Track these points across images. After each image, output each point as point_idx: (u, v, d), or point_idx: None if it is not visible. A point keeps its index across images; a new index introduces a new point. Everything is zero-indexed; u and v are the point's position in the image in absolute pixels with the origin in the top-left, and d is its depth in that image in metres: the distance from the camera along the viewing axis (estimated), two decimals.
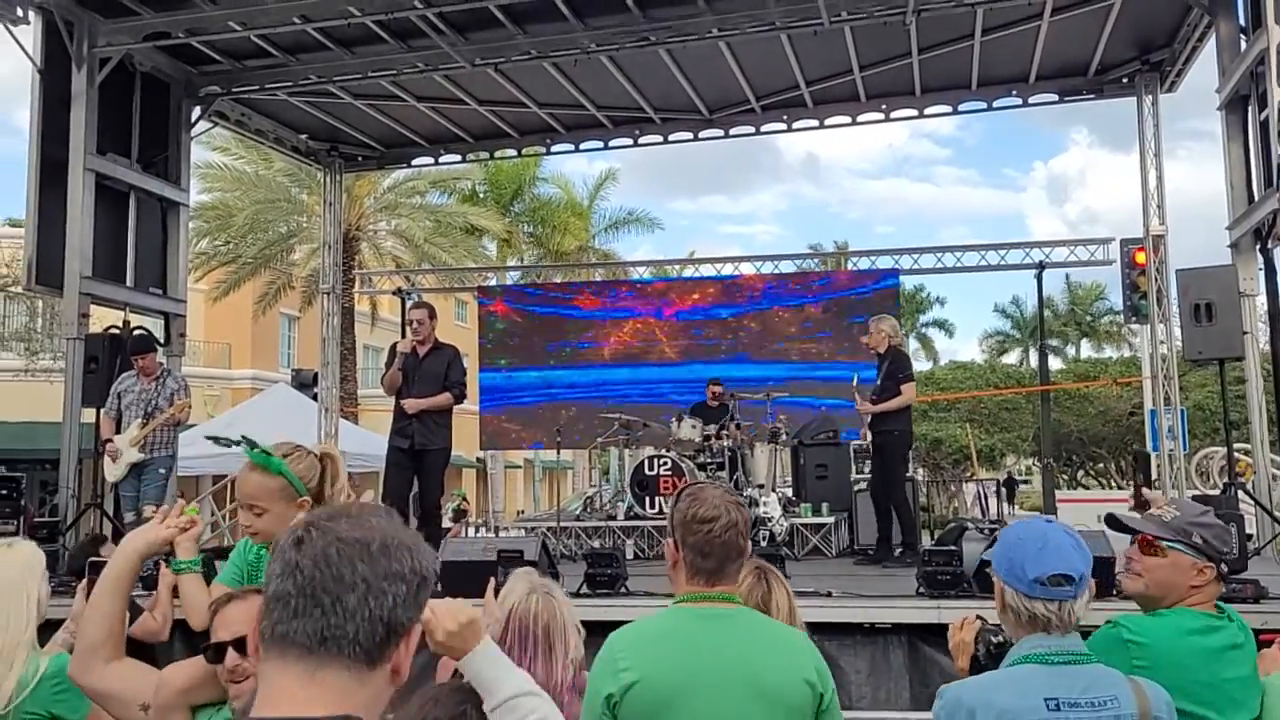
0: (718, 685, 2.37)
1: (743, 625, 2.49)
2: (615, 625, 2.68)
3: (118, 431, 8.29)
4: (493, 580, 3.23)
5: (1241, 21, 8.67)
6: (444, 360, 8.09)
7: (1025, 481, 24.88)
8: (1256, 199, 8.37)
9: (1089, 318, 45.84)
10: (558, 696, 2.58)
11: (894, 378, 8.47)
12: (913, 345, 46.64)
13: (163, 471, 8.29)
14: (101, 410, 8.56)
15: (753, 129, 12.72)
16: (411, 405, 7.94)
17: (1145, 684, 2.22)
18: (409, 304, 8.72)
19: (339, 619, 1.24)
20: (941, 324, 48.78)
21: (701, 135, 12.81)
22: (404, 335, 14.94)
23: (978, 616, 2.67)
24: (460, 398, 8.15)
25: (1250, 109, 8.55)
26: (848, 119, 12.40)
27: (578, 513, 12.06)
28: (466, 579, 5.66)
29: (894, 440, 8.63)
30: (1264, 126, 7.97)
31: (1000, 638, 2.50)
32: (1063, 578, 2.21)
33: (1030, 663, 2.20)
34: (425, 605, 1.34)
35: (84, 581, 3.07)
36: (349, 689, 1.24)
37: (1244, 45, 8.50)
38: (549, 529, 10.09)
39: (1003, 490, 14.91)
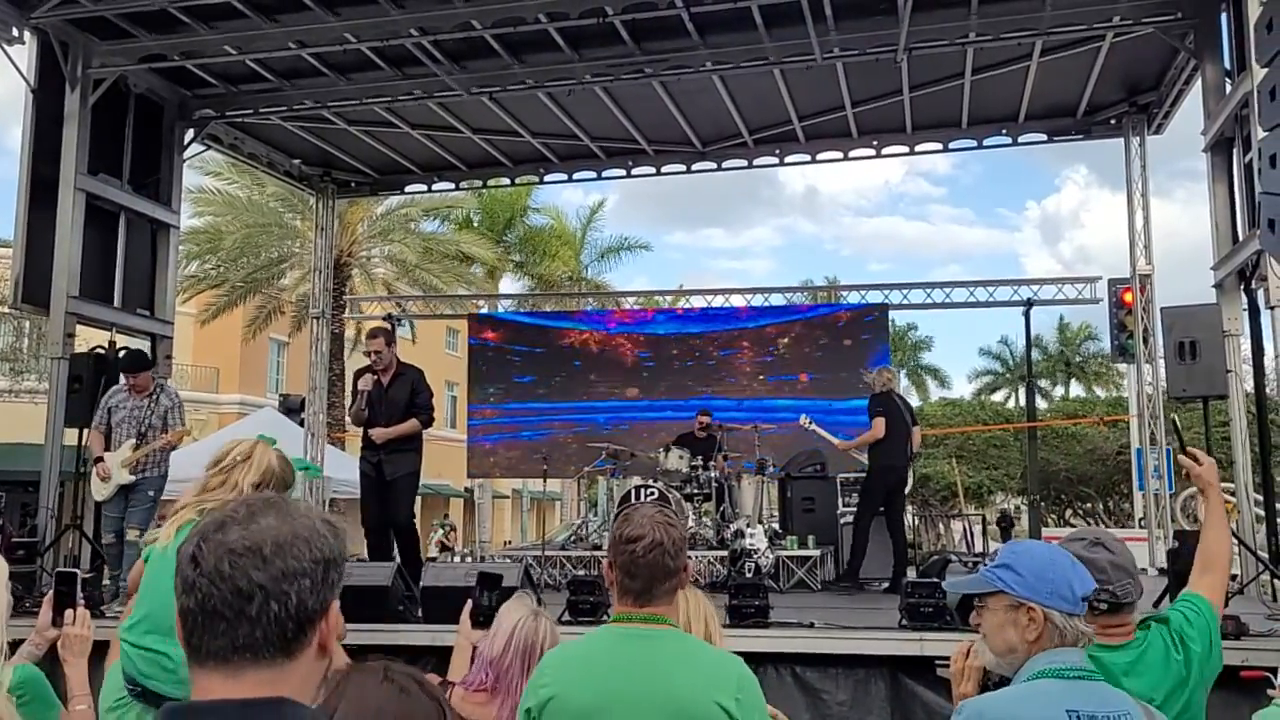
0: (632, 705, 2.35)
1: (665, 646, 2.44)
2: None
3: (107, 447, 8.05)
4: (469, 602, 3.24)
5: (1227, 65, 8.77)
6: (408, 385, 7.93)
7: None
8: (1240, 240, 8.44)
9: (1078, 358, 46.01)
10: None
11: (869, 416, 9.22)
12: (904, 383, 46.76)
13: (151, 494, 8.08)
14: (91, 426, 8.29)
15: (745, 162, 12.81)
16: (380, 435, 7.80)
17: (1150, 708, 2.23)
18: (365, 331, 8.55)
19: (246, 629, 1.27)
20: (934, 371, 48.92)
21: (694, 168, 12.88)
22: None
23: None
24: (428, 421, 7.96)
25: (1235, 151, 8.63)
26: (839, 154, 12.51)
27: (564, 543, 12.00)
28: (447, 604, 5.63)
29: (866, 475, 9.46)
30: (1248, 169, 8.05)
31: (997, 677, 2.47)
32: (1094, 593, 2.28)
33: (1047, 677, 2.19)
34: (338, 583, 1.35)
35: (50, 594, 3.03)
36: (273, 679, 1.28)
37: (1229, 88, 8.59)
38: (534, 558, 10.06)
39: (996, 528, 14.93)
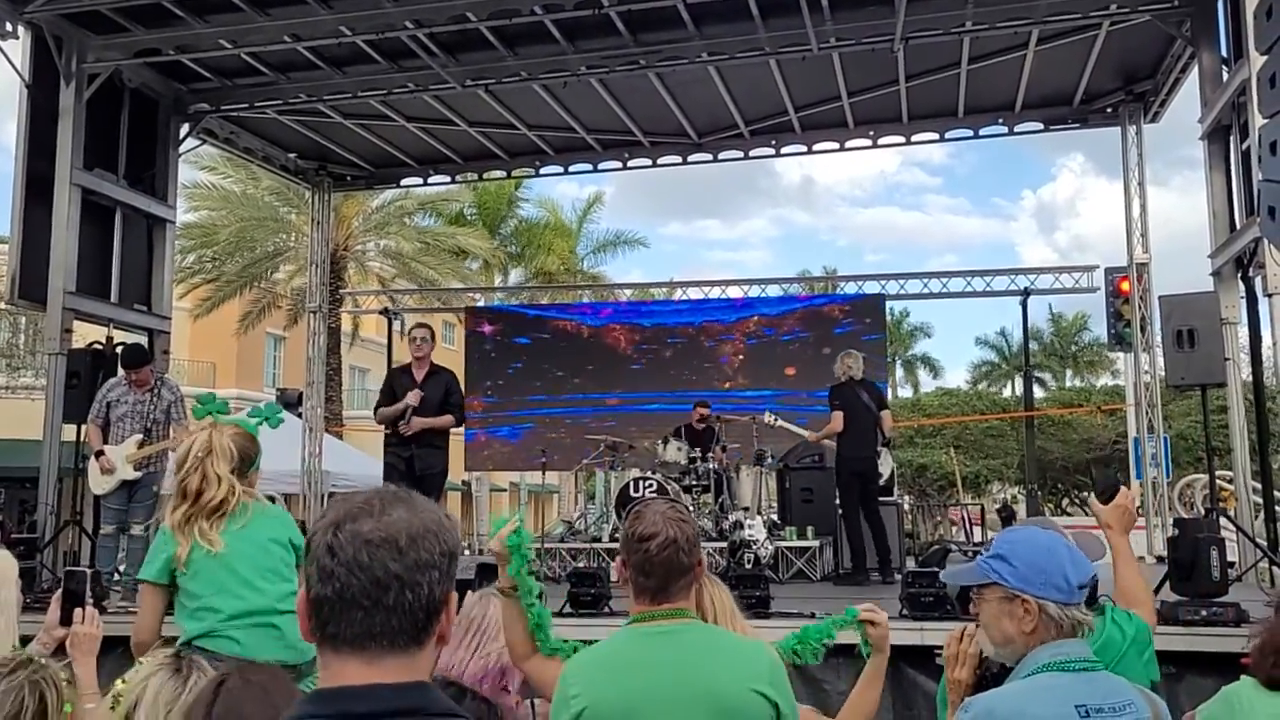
0: (668, 703, 2.30)
1: (691, 639, 2.41)
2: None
3: (105, 441, 7.92)
4: (469, 594, 3.24)
5: (1223, 53, 8.78)
6: (442, 384, 8.29)
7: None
8: (1238, 228, 8.45)
9: (1073, 348, 46.07)
10: (474, 682, 2.70)
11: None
12: (899, 373, 46.79)
13: (155, 489, 7.98)
14: (88, 419, 8.13)
15: (741, 154, 12.79)
16: (418, 424, 8.08)
17: (1149, 693, 2.25)
18: (411, 325, 8.85)
19: (382, 616, 1.32)
20: (929, 361, 48.93)
21: (690, 159, 12.86)
22: (390, 357, 14.94)
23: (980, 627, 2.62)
24: (460, 421, 8.44)
25: (1232, 139, 8.64)
26: (835, 145, 12.48)
27: (562, 535, 12.01)
28: None
29: (835, 468, 9.37)
30: (1245, 156, 8.06)
31: (997, 666, 2.46)
32: (1090, 580, 2.24)
33: (1052, 670, 2.17)
34: (455, 574, 1.41)
35: (59, 592, 3.03)
36: (404, 667, 1.34)
37: (1225, 76, 8.60)
38: (533, 550, 10.06)
39: (998, 518, 14.98)
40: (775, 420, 10.17)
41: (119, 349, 8.90)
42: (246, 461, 3.49)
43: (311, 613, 1.34)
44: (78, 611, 2.92)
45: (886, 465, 9.74)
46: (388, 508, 1.36)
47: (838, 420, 8.98)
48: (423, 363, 8.31)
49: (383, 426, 8.45)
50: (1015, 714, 2.11)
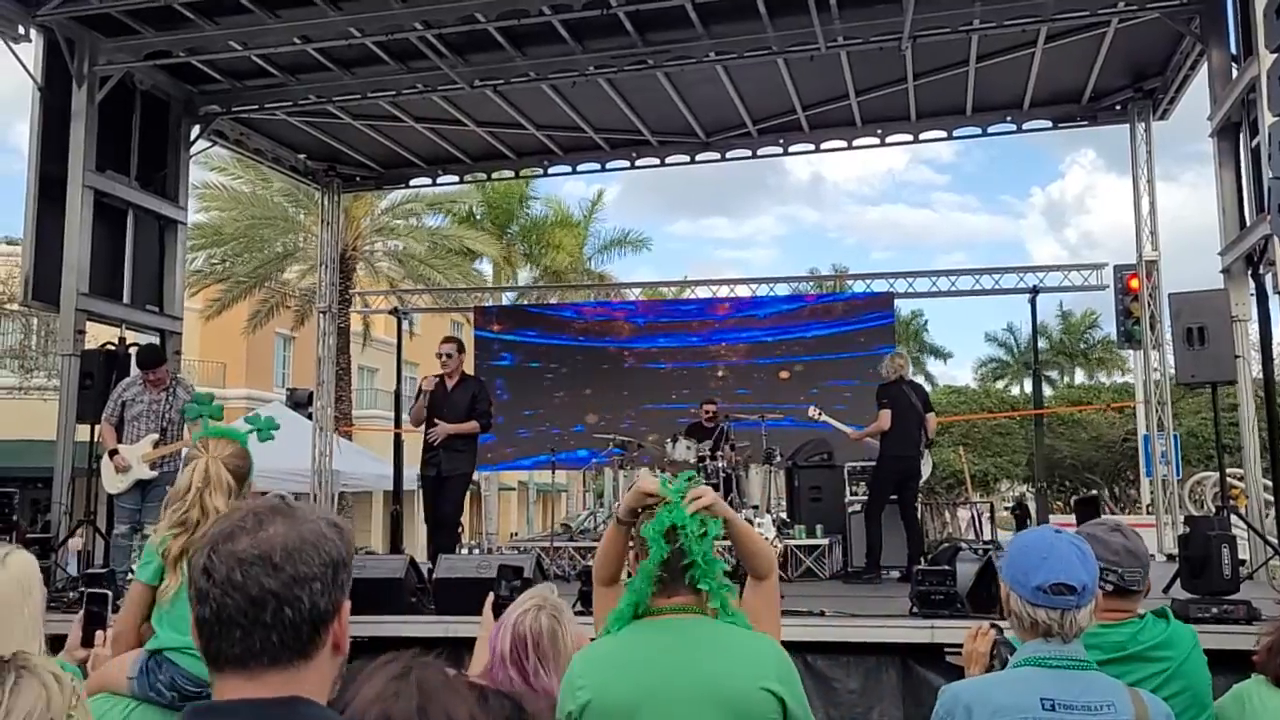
0: (674, 697, 2.31)
1: (699, 633, 2.41)
2: None
3: (118, 440, 7.98)
4: (491, 595, 3.20)
5: (1233, 50, 8.77)
6: (470, 392, 8.64)
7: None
8: (1248, 225, 8.44)
9: (1082, 346, 45.91)
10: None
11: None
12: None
13: (169, 489, 8.02)
14: (102, 418, 8.19)
15: (749, 152, 12.79)
16: (442, 429, 8.37)
17: (1145, 694, 2.26)
18: (442, 339, 9.02)
19: (261, 634, 1.30)
20: (936, 350, 48.78)
21: (698, 158, 12.86)
22: (399, 356, 15.00)
23: (993, 625, 2.67)
24: (486, 427, 8.69)
25: (1242, 136, 8.63)
26: (844, 143, 12.46)
27: (570, 536, 12.05)
28: (461, 595, 5.66)
29: (875, 465, 9.49)
30: (1255, 153, 8.04)
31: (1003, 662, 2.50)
32: (1064, 587, 2.24)
33: (1030, 665, 2.24)
34: (348, 583, 1.38)
35: (81, 613, 3.02)
36: (290, 680, 1.31)
37: (1235, 73, 8.59)
38: (543, 549, 10.10)
39: (1011, 517, 14.96)
40: (820, 414, 10.24)
41: (132, 349, 8.95)
42: (241, 482, 3.44)
43: (196, 632, 1.34)
44: (99, 634, 2.92)
45: (926, 466, 9.80)
46: (265, 523, 1.34)
47: (885, 418, 9.03)
48: (452, 375, 8.63)
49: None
50: (979, 700, 2.20)
